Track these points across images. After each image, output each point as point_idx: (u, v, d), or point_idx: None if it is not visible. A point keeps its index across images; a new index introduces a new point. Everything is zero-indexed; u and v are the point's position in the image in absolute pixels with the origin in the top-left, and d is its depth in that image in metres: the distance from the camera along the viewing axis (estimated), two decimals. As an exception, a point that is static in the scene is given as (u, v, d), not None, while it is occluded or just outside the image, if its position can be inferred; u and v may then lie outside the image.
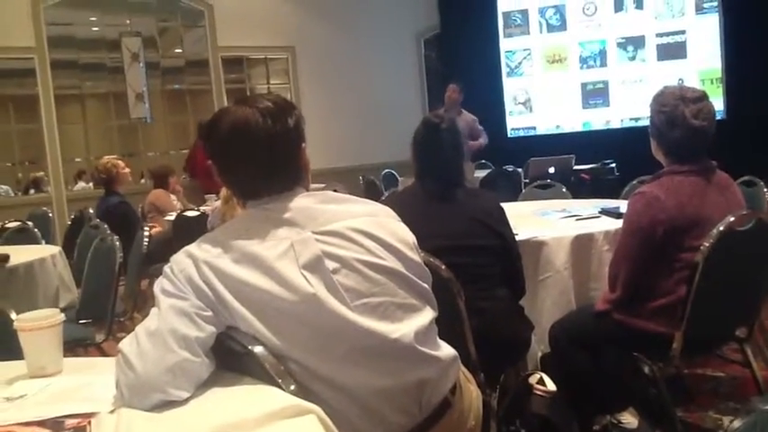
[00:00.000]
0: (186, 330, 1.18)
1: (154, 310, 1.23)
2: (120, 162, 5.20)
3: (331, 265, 1.26)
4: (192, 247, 1.29)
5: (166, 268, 1.28)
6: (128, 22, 8.27)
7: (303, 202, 1.33)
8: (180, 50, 8.85)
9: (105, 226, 3.67)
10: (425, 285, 1.41)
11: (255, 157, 1.32)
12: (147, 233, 3.63)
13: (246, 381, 1.19)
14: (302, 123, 1.38)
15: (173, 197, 5.94)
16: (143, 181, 8.12)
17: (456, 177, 2.30)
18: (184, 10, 8.52)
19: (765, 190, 3.29)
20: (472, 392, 1.50)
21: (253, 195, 1.35)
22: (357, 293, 1.26)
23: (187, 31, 8.75)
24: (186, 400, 1.15)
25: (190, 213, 4.82)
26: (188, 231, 4.31)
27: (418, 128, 2.35)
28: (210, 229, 3.45)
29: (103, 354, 2.98)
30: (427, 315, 1.37)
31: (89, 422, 1.09)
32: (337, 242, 1.29)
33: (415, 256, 1.40)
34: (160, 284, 1.25)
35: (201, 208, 5.12)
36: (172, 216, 5.14)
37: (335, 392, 1.23)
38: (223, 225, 1.40)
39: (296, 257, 1.24)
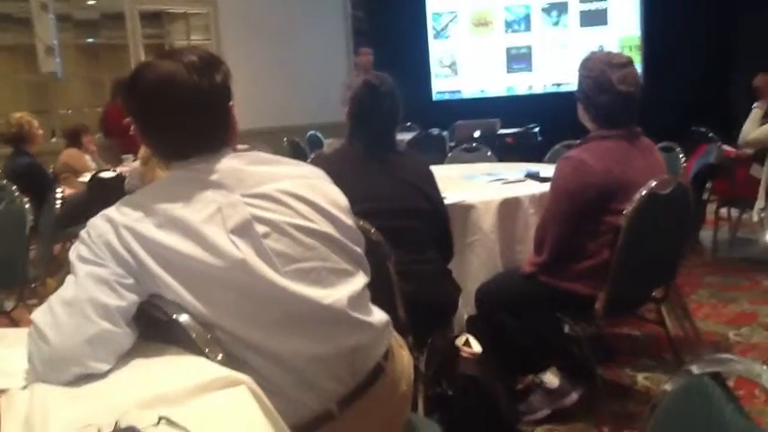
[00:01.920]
0: (106, 299, 1.11)
1: (70, 278, 1.15)
2: (34, 121, 4.91)
3: (261, 229, 1.21)
4: (110, 211, 1.21)
5: (83, 233, 1.19)
6: (35, -31, 7.75)
7: (231, 164, 1.27)
8: (94, 2, 8.38)
9: (14, 187, 3.47)
10: (358, 250, 1.38)
11: (181, 117, 1.25)
12: (59, 195, 3.45)
13: (172, 351, 1.13)
14: (230, 80, 1.31)
15: (87, 157, 5.68)
16: (54, 140, 7.72)
17: (388, 141, 2.28)
18: (98, -41, 8.07)
19: (681, 155, 3.41)
20: (404, 357, 1.49)
21: (178, 157, 1.28)
22: (288, 258, 1.22)
23: (101, -19, 8.30)
24: (107, 373, 1.08)
25: (106, 174, 4.60)
26: (104, 193, 4.13)
27: (357, 87, 2.30)
28: (128, 192, 3.31)
29: (14, 323, 2.82)
30: (360, 280, 1.35)
31: (-1, 399, 1.02)
32: (267, 205, 1.24)
33: (348, 219, 1.37)
34: (76, 250, 1.17)
35: (118, 169, 4.91)
36: (86, 177, 4.91)
37: (266, 360, 1.19)
38: (145, 187, 1.31)
39: (224, 221, 1.19)
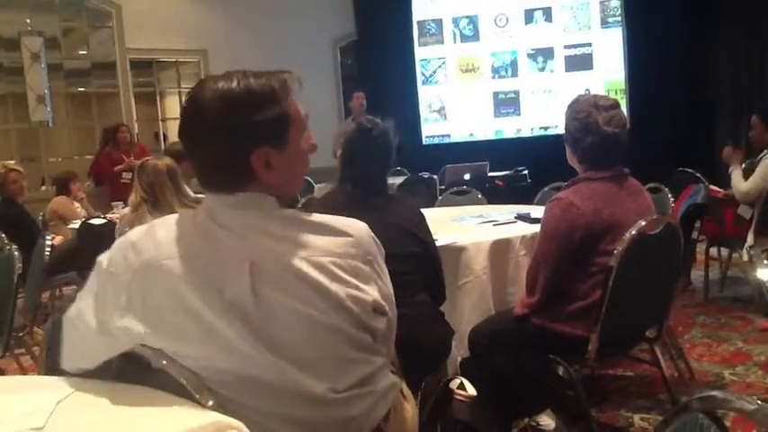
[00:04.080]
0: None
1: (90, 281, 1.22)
2: (12, 173, 4.84)
3: (258, 308, 1.12)
4: (128, 248, 1.20)
5: (104, 258, 1.22)
6: (28, 20, 7.85)
7: (258, 224, 1.18)
8: (85, 52, 8.48)
9: (2, 235, 3.45)
10: (368, 339, 1.23)
11: (195, 143, 1.20)
12: (48, 242, 3.43)
13: (163, 397, 1.11)
14: (274, 121, 1.18)
15: (76, 205, 5.66)
16: (44, 188, 7.72)
17: (379, 184, 2.29)
18: (90, 10, 8.17)
19: (669, 196, 3.44)
20: (407, 413, 1.41)
21: (200, 183, 1.23)
22: (282, 344, 1.13)
23: (93, 32, 8.39)
24: (99, 419, 1.06)
25: (95, 221, 4.59)
26: (93, 240, 4.11)
27: (351, 130, 2.34)
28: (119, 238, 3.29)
29: (0, 372, 2.78)
30: (367, 368, 1.22)
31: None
32: (272, 283, 1.13)
33: (364, 315, 1.21)
34: (97, 267, 1.22)
35: (108, 216, 4.90)
36: (76, 224, 4.89)
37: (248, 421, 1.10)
38: (165, 221, 1.24)
39: (223, 287, 1.12)
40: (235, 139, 1.17)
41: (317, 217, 1.23)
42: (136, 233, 1.24)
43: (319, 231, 1.19)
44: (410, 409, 1.43)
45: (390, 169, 2.39)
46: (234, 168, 1.18)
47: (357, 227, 1.25)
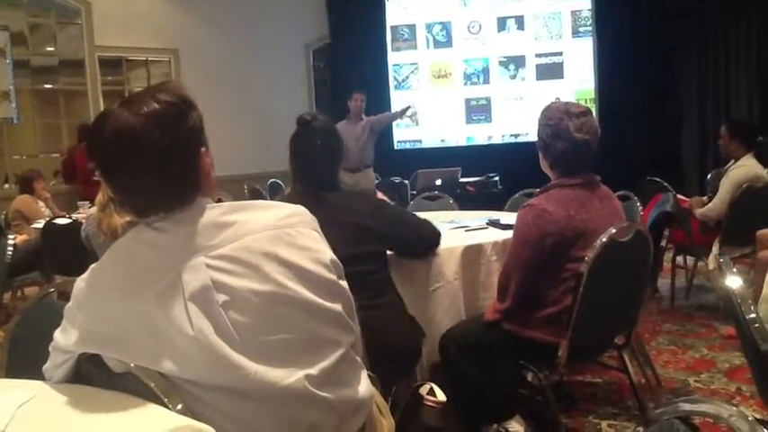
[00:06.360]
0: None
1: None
2: None
3: (221, 297, 1.11)
4: (79, 283, 1.20)
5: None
6: (-7, 15, 7.70)
7: (200, 219, 1.16)
8: (53, 48, 8.32)
9: (-37, 234, 3.37)
10: (338, 309, 1.24)
11: (139, 178, 1.15)
12: (11, 242, 3.35)
13: (129, 400, 1.08)
14: (199, 125, 1.21)
15: (41, 204, 5.55)
16: (7, 186, 7.55)
17: (326, 179, 2.25)
18: (59, 6, 8.03)
19: (638, 204, 3.48)
20: (384, 429, 1.38)
21: (145, 213, 1.18)
22: (250, 331, 1.11)
23: (61, 29, 8.25)
24: (62, 424, 1.03)
25: (60, 221, 4.49)
26: (58, 240, 4.03)
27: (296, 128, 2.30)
28: (85, 238, 3.23)
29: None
30: (338, 349, 1.22)
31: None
32: (232, 268, 1.13)
33: (329, 274, 1.24)
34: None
35: (74, 215, 4.80)
36: (40, 224, 4.79)
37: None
38: (110, 251, 1.21)
39: (182, 288, 1.10)
40: (183, 153, 1.17)
41: (254, 201, 1.26)
42: (98, 263, 1.22)
43: (259, 209, 1.23)
44: (386, 424, 1.40)
45: (340, 163, 2.31)
46: (188, 182, 1.18)
47: (294, 205, 1.29)
